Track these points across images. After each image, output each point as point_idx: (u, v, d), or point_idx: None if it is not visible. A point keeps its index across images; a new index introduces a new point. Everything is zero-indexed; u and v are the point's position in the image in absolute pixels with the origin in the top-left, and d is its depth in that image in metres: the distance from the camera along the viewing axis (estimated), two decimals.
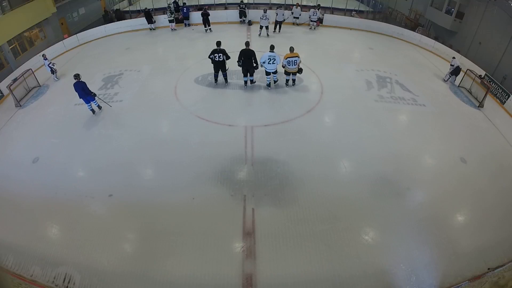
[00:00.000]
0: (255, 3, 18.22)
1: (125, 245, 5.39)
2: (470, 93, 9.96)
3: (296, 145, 7.29)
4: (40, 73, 10.83)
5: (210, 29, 14.74)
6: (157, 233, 5.38)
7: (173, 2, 15.95)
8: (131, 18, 17.14)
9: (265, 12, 13.56)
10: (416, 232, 5.44)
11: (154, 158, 7.02)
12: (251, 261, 4.92)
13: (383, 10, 19.71)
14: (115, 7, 19.93)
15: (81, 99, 8.27)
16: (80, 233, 5.43)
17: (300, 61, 9.11)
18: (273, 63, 8.91)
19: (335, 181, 6.42)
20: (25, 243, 5.30)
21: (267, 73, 9.25)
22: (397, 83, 10.23)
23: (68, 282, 4.73)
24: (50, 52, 12.31)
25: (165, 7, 16.58)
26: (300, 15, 15.39)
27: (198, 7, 17.75)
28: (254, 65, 9.08)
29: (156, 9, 18.07)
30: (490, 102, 9.56)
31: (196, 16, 15.50)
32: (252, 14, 15.82)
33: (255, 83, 9.69)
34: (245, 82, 9.52)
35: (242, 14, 15.68)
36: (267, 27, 13.88)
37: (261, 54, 8.99)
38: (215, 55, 8.93)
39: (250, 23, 15.69)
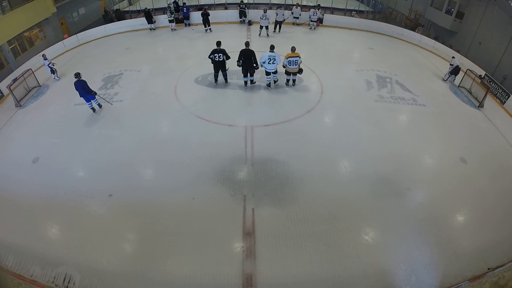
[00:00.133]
0: (255, 3, 18.23)
1: (125, 245, 5.39)
2: (470, 93, 9.96)
3: (296, 145, 7.29)
4: (40, 73, 10.83)
5: (210, 29, 14.74)
6: (157, 233, 5.38)
7: (173, 2, 15.96)
8: (131, 18, 17.14)
9: (265, 12, 13.56)
10: (416, 232, 5.44)
11: (154, 158, 7.02)
12: (251, 261, 4.92)
13: (383, 10, 19.71)
14: (115, 7, 19.93)
15: (82, 97, 8.30)
16: (80, 233, 5.43)
17: (301, 61, 9.11)
18: (273, 63, 8.90)
19: (335, 181, 6.42)
20: (25, 243, 5.30)
21: (267, 73, 9.24)
22: (397, 83, 10.23)
23: (68, 282, 4.73)
24: (50, 52, 12.31)
25: (165, 7, 16.59)
26: (300, 15, 15.39)
27: (198, 7, 17.76)
28: (254, 65, 9.08)
29: (156, 9, 18.08)
30: (490, 102, 9.55)
31: (196, 16, 15.50)
32: (252, 14, 15.82)
33: (255, 84, 9.69)
34: (245, 82, 9.51)
35: (242, 14, 15.68)
36: (267, 27, 13.88)
37: (261, 54, 8.99)
38: (215, 55, 8.93)
39: (250, 23, 15.69)
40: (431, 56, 13.02)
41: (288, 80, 9.63)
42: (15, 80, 9.76)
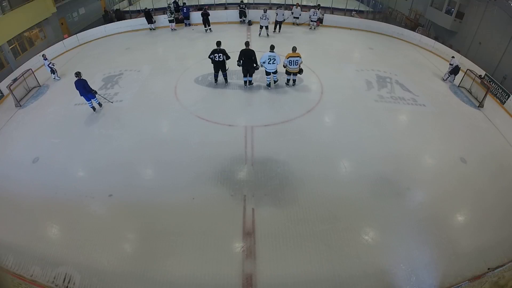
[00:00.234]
0: (255, 3, 18.23)
1: (125, 245, 5.39)
2: (470, 93, 9.95)
3: (296, 145, 7.29)
4: (40, 73, 10.83)
5: (210, 29, 14.74)
6: (157, 233, 5.38)
7: (173, 2, 15.96)
8: (131, 18, 17.14)
9: (265, 12, 13.56)
10: (416, 232, 5.44)
11: (154, 158, 7.02)
12: (251, 261, 4.92)
13: (383, 10, 19.71)
14: (115, 7, 19.93)
15: (82, 97, 8.32)
16: (80, 233, 5.43)
17: (302, 62, 9.11)
18: (273, 63, 8.90)
19: (335, 181, 6.42)
20: (25, 243, 5.30)
21: (267, 73, 9.24)
22: (397, 83, 10.23)
23: (68, 282, 4.73)
24: (50, 52, 12.31)
25: (165, 7, 16.59)
26: (300, 15, 15.39)
27: (198, 7, 17.76)
28: (254, 65, 9.08)
29: (156, 9, 18.07)
30: (490, 102, 9.56)
31: (196, 16, 15.50)
32: (252, 14, 15.81)
33: (253, 85, 9.66)
34: (245, 82, 9.52)
35: (242, 14, 15.68)
36: (267, 27, 13.87)
37: (261, 54, 8.99)
38: (215, 55, 8.93)
39: (250, 23, 15.69)
40: (431, 56, 13.02)
41: (288, 80, 9.63)
42: (15, 80, 9.77)
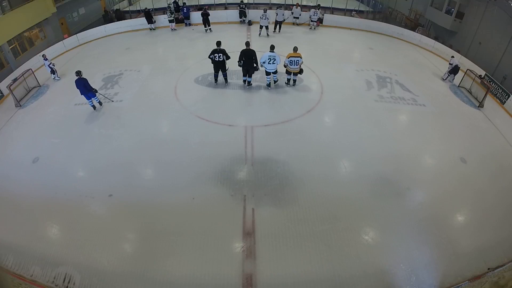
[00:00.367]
0: (255, 3, 18.23)
1: (125, 245, 5.39)
2: (470, 93, 9.95)
3: (296, 145, 7.29)
4: (40, 73, 10.83)
5: (210, 29, 14.74)
6: (157, 233, 5.38)
7: (173, 2, 15.96)
8: (131, 18, 17.14)
9: (265, 12, 13.56)
10: (416, 232, 5.44)
11: (154, 158, 7.02)
12: (251, 261, 4.92)
13: (383, 10, 19.71)
14: (115, 7, 19.93)
15: (83, 95, 8.35)
16: (80, 233, 5.43)
17: (302, 62, 9.11)
18: (273, 63, 8.90)
19: (335, 181, 6.42)
20: (25, 243, 5.30)
21: (267, 73, 9.24)
22: (397, 83, 10.23)
23: (68, 282, 4.73)
24: (50, 52, 12.31)
25: (165, 7, 16.59)
26: (300, 15, 15.39)
27: (198, 7, 17.76)
28: (255, 65, 9.07)
29: (156, 9, 18.08)
30: (490, 102, 9.56)
31: (196, 16, 15.49)
32: (252, 14, 15.81)
33: (252, 85, 9.64)
34: (244, 81, 9.51)
35: (242, 14, 15.68)
36: (267, 27, 13.88)
37: (261, 54, 8.99)
38: (215, 55, 8.93)
39: (250, 23, 15.69)
40: (431, 56, 13.02)
41: (288, 80, 9.64)
42: (15, 80, 9.77)
